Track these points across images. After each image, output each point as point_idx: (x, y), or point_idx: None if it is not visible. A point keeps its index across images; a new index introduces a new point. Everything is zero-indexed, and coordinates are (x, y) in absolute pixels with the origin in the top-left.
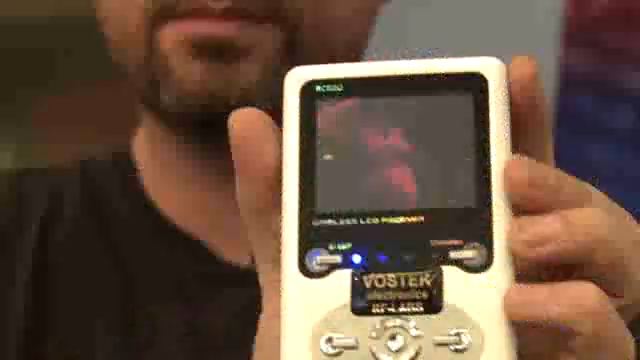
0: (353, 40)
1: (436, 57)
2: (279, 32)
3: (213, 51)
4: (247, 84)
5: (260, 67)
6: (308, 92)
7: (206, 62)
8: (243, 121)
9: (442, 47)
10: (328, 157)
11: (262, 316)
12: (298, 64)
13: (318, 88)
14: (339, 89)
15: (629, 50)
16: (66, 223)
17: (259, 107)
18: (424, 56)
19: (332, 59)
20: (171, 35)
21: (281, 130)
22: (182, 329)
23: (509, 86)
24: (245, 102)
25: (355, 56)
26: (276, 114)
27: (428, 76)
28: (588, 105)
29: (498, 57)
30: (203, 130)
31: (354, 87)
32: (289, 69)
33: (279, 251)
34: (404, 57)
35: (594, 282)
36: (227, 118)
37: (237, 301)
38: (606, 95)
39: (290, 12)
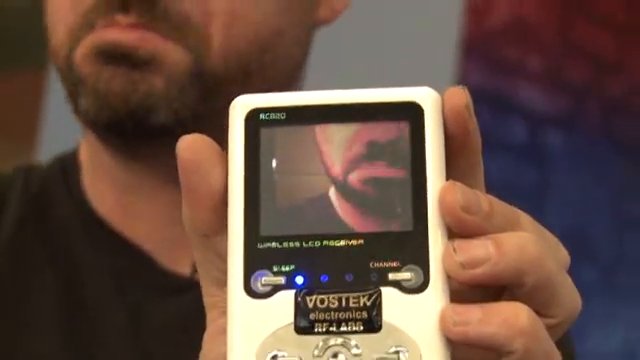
0: (283, 71)
1: (340, 77)
2: (185, 51)
3: (119, 57)
4: (148, 89)
5: (163, 79)
6: (252, 119)
7: (113, 67)
8: (191, 147)
9: (342, 61)
10: (271, 182)
11: (206, 334)
12: (211, 91)
13: (262, 116)
14: (282, 117)
15: (524, 65)
16: (7, 227)
17: (161, 116)
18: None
19: (255, 89)
20: (84, 45)
21: (227, 156)
22: (124, 335)
23: (443, 115)
24: (145, 106)
25: (284, 86)
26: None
27: (367, 105)
28: (484, 118)
29: (398, 68)
30: (123, 136)
31: (296, 115)
32: (199, 93)
33: (224, 272)
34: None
35: (525, 302)
36: (132, 124)
37: (177, 310)
38: (501, 108)
39: (196, 37)
